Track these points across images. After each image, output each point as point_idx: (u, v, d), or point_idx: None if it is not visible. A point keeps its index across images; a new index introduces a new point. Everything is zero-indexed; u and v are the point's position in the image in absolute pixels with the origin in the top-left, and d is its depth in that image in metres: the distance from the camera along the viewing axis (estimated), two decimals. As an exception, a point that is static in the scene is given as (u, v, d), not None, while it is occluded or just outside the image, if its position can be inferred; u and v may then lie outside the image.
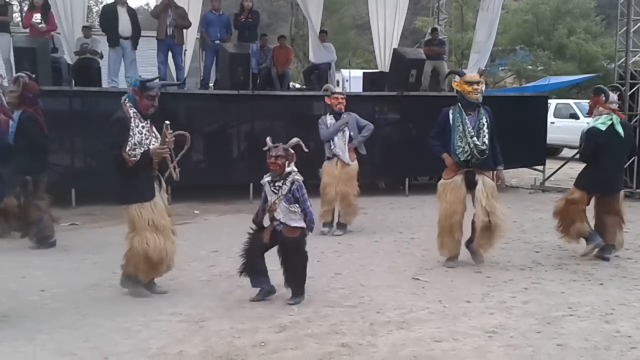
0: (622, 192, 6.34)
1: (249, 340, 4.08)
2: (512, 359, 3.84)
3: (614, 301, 4.95)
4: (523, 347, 4.02)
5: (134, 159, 4.67)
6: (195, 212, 8.88)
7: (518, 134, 10.56)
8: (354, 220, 7.65)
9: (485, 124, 5.82)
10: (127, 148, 4.64)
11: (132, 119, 4.74)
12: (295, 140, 4.84)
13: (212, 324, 4.37)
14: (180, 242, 6.87)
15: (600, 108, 6.22)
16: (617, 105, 6.36)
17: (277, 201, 4.76)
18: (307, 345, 4.02)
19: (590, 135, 6.27)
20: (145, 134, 4.80)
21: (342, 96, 7.49)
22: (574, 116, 16.86)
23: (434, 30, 13.08)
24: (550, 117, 15.16)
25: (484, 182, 5.81)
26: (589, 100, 6.58)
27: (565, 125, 16.48)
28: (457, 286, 5.34)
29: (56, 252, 6.41)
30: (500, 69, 31.54)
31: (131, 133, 4.68)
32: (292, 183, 4.77)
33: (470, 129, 5.76)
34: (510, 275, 5.67)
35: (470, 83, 5.80)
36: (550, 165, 12.06)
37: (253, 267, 4.89)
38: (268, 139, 4.87)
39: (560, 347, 4.04)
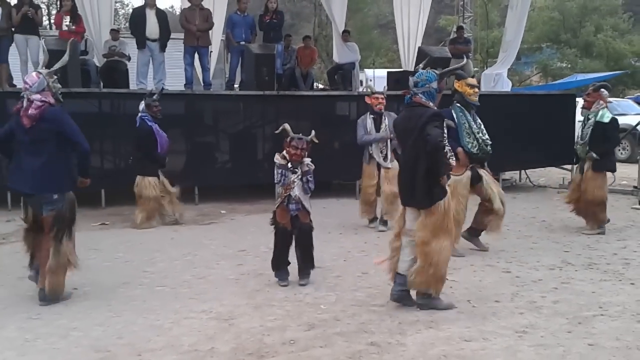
0: None
1: (279, 338, 4.11)
2: (543, 358, 3.81)
3: (646, 301, 4.88)
4: (554, 346, 3.99)
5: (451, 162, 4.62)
6: (222, 211, 8.97)
7: (546, 133, 10.46)
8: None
9: (481, 123, 6.37)
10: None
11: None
12: (313, 133, 5.30)
13: (242, 322, 4.42)
14: (207, 242, 7.03)
15: (602, 102, 7.29)
16: None
17: (295, 180, 5.16)
18: (336, 343, 4.04)
19: (616, 123, 7.40)
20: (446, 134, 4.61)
21: (382, 96, 7.47)
22: (602, 114, 16.57)
23: (460, 28, 13.05)
24: (578, 116, 14.93)
25: (486, 175, 6.40)
26: (587, 95, 7.48)
27: (594, 123, 16.19)
28: (486, 286, 5.31)
29: (88, 251, 6.52)
30: (528, 67, 31.20)
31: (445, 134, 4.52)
32: (308, 165, 5.23)
33: (475, 126, 6.28)
34: (539, 275, 5.62)
35: (472, 86, 6.34)
36: (579, 164, 11.90)
37: (283, 261, 5.29)
38: (286, 125, 5.23)
39: (592, 347, 3.99)
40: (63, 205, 4.82)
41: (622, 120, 15.94)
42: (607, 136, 7.19)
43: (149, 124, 7.66)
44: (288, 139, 5.20)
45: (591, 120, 7.27)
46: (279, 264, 5.31)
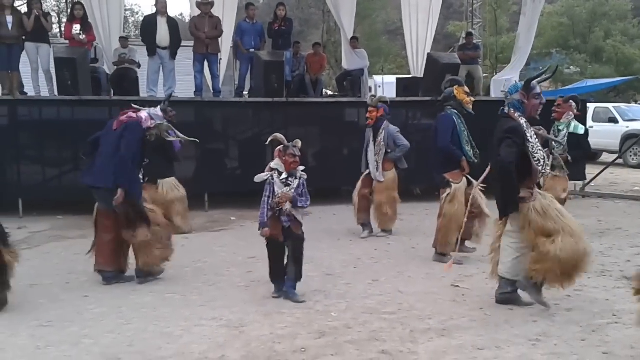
0: None
1: (289, 346, 4.09)
2: (556, 367, 3.78)
3: (661, 308, 4.82)
4: (568, 355, 3.94)
5: (542, 170, 4.60)
6: (232, 218, 8.98)
7: (556, 139, 10.38)
8: (392, 226, 7.77)
9: None
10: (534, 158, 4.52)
11: (527, 129, 4.58)
12: (299, 142, 5.07)
13: (252, 330, 4.40)
14: (217, 249, 7.04)
15: (571, 113, 7.35)
16: None
17: (289, 193, 4.97)
18: (347, 351, 4.01)
19: (587, 134, 7.54)
20: (535, 142, 4.62)
21: (372, 108, 7.32)
22: (613, 120, 16.50)
23: (469, 34, 13.03)
24: (589, 122, 14.83)
25: (474, 181, 6.10)
26: (557, 106, 7.49)
27: (605, 129, 16.05)
28: (498, 293, 5.26)
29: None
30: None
31: (529, 143, 4.54)
32: (300, 177, 5.06)
33: (468, 134, 6.28)
34: (551, 282, 5.56)
35: (469, 94, 6.33)
36: (590, 170, 11.75)
37: (279, 272, 5.15)
38: (279, 135, 5.12)
39: (606, 355, 3.95)
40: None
41: (632, 126, 16.01)
42: (581, 145, 7.31)
43: None
44: (282, 148, 5.03)
45: (563, 132, 7.31)
46: (277, 275, 5.15)
